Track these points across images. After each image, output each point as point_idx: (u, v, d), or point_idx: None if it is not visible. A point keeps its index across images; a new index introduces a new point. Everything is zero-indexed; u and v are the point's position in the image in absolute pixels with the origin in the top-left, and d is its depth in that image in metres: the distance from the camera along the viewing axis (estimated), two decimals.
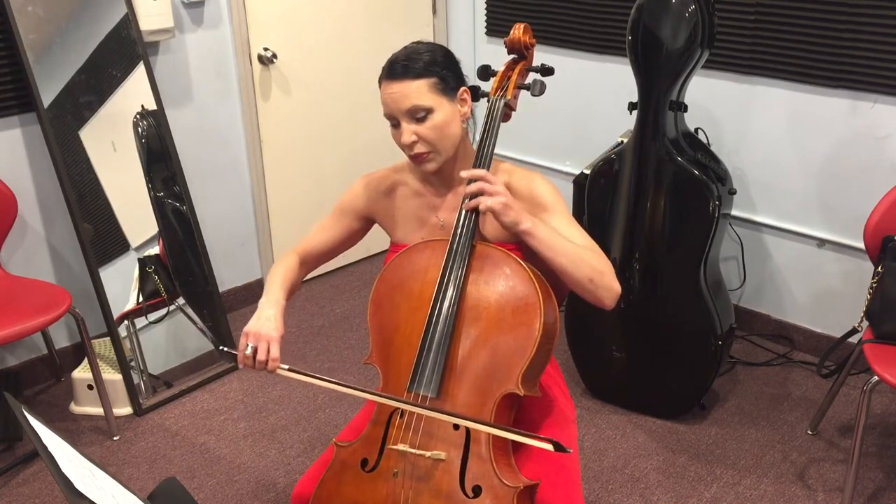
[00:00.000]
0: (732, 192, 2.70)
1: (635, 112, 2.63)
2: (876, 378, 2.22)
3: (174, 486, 1.50)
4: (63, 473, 1.09)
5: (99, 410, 2.86)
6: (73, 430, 2.85)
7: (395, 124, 1.66)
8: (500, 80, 1.79)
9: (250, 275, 3.65)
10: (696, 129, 2.94)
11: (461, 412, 1.57)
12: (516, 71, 1.81)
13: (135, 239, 2.99)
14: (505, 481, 1.53)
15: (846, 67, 2.79)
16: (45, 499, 2.54)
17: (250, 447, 2.76)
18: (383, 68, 1.66)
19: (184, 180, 3.10)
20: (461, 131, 1.70)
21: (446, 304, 1.60)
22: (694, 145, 2.71)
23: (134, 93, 2.98)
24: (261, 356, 1.62)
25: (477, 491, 1.54)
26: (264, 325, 1.64)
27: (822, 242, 3.04)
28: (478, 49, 3.92)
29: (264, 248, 3.67)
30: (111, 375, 2.90)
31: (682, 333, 2.70)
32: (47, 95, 2.77)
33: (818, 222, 3.03)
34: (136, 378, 2.93)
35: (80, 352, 3.15)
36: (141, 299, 2.98)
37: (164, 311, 3.04)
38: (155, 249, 3.03)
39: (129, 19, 2.92)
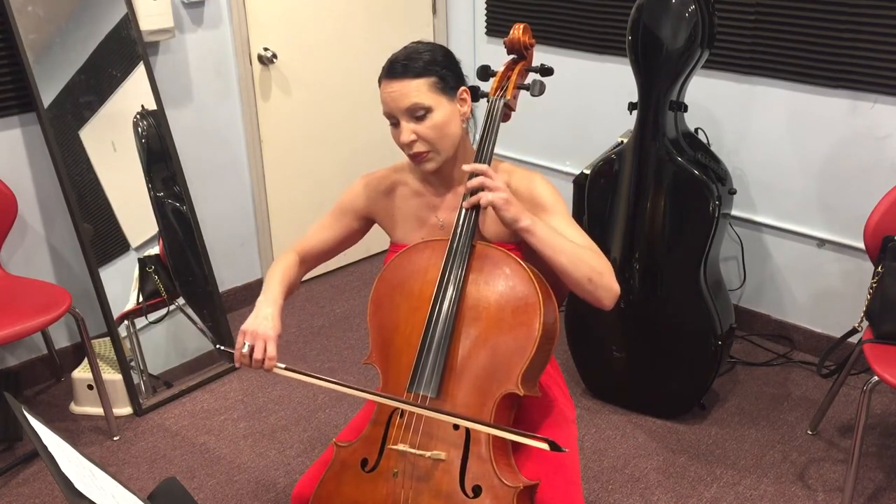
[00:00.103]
0: (732, 192, 2.70)
1: (635, 112, 2.63)
2: (876, 378, 2.22)
3: (174, 486, 1.50)
4: (63, 473, 1.09)
5: (99, 410, 2.86)
6: (73, 430, 2.86)
7: (395, 123, 1.67)
8: (499, 80, 1.79)
9: (250, 275, 3.65)
10: (696, 129, 2.94)
11: (461, 412, 1.57)
12: (516, 71, 1.81)
13: (135, 239, 2.99)
14: (505, 481, 1.53)
15: (846, 67, 2.79)
16: (45, 499, 2.54)
17: (250, 447, 2.76)
18: (383, 67, 1.67)
19: (184, 180, 3.10)
20: (461, 131, 1.70)
21: (446, 304, 1.60)
22: (694, 145, 2.71)
23: (134, 93, 2.98)
24: (257, 355, 1.62)
25: (477, 491, 1.54)
26: (261, 323, 1.64)
27: (822, 242, 3.04)
28: (478, 49, 3.92)
29: (264, 248, 3.67)
30: (111, 375, 2.90)
31: (682, 333, 2.70)
32: (47, 95, 2.77)
33: (818, 222, 3.03)
34: (136, 378, 2.94)
35: (80, 352, 3.15)
36: (141, 299, 2.98)
37: (164, 311, 3.04)
38: (155, 249, 3.03)
39: (129, 19, 2.92)
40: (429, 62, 1.64)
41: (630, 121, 2.70)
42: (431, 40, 2.38)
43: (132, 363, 2.95)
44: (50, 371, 3.14)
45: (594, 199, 2.76)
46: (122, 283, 2.94)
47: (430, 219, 1.78)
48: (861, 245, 2.61)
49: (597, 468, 2.62)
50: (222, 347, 1.70)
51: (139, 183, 3.00)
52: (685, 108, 2.64)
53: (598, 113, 3.50)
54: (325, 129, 3.73)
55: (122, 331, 2.93)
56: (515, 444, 1.60)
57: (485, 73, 1.86)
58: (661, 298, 2.70)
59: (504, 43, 1.83)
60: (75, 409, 2.95)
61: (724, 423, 2.82)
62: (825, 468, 2.60)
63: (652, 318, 2.73)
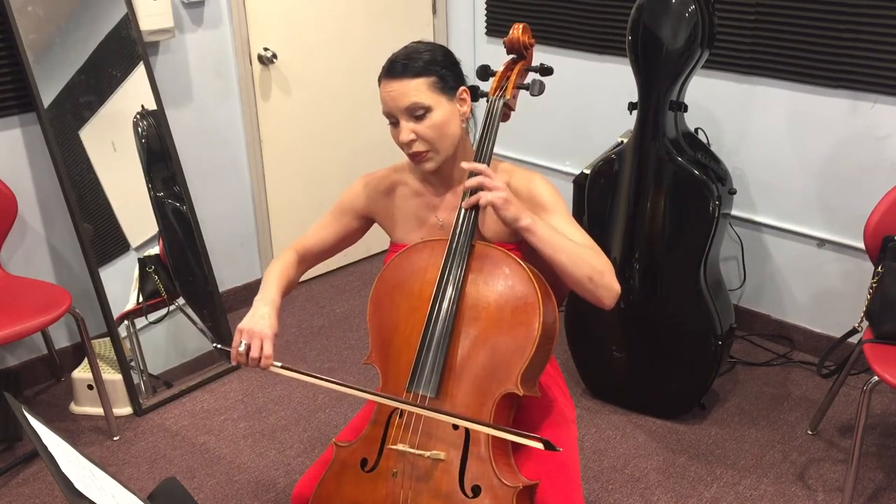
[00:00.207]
0: (732, 192, 2.70)
1: (635, 112, 2.63)
2: (876, 378, 2.22)
3: (174, 486, 1.51)
4: (63, 473, 1.09)
5: (99, 410, 2.86)
6: (73, 430, 2.86)
7: (394, 123, 1.67)
8: (499, 79, 1.79)
9: (250, 275, 3.65)
10: (696, 129, 2.94)
11: (460, 412, 1.57)
12: (515, 71, 1.81)
13: (135, 239, 2.99)
14: (504, 481, 1.53)
15: (846, 67, 2.79)
16: (45, 499, 2.54)
17: (250, 447, 2.76)
18: (383, 67, 1.67)
19: (184, 180, 3.10)
20: (460, 131, 1.70)
21: (445, 304, 1.60)
22: (694, 145, 2.70)
23: (134, 93, 2.98)
24: (254, 353, 1.62)
25: (476, 491, 1.54)
26: (258, 322, 1.65)
27: (822, 242, 3.04)
28: (478, 49, 3.92)
29: (264, 248, 3.67)
30: (111, 375, 2.90)
31: (682, 333, 2.70)
32: (47, 95, 2.77)
33: (818, 222, 3.03)
34: (136, 378, 2.94)
35: (80, 352, 3.15)
36: (141, 299, 2.98)
37: (164, 311, 3.05)
38: (155, 249, 3.03)
39: (129, 19, 2.92)
40: (429, 62, 1.64)
41: (630, 121, 2.70)
42: (431, 40, 2.38)
43: (132, 363, 2.95)
44: (50, 371, 3.14)
45: (594, 199, 2.76)
46: (122, 283, 2.95)
47: (430, 219, 1.78)
48: (861, 245, 2.61)
49: (597, 468, 2.62)
50: (219, 346, 1.70)
51: (139, 183, 3.00)
52: (685, 108, 2.63)
53: (598, 113, 3.50)
54: (325, 129, 3.73)
55: (122, 331, 2.93)
56: (515, 445, 1.60)
57: (484, 72, 1.86)
58: (661, 298, 2.70)
59: (504, 43, 1.83)
60: (75, 409, 2.95)
61: (724, 423, 2.82)
62: (825, 468, 2.60)
63: (652, 318, 2.73)
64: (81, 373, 2.92)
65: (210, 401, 3.01)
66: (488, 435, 1.55)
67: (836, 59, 2.80)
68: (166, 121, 3.06)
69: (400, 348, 1.65)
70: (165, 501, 1.45)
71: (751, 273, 3.27)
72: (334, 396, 2.99)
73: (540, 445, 1.45)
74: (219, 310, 3.22)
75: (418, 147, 1.65)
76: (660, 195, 2.61)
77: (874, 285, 2.39)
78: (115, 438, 2.80)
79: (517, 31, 1.80)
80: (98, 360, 2.85)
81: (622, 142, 2.85)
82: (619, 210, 2.70)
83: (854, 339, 2.61)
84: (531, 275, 1.59)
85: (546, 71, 1.84)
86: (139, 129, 3.00)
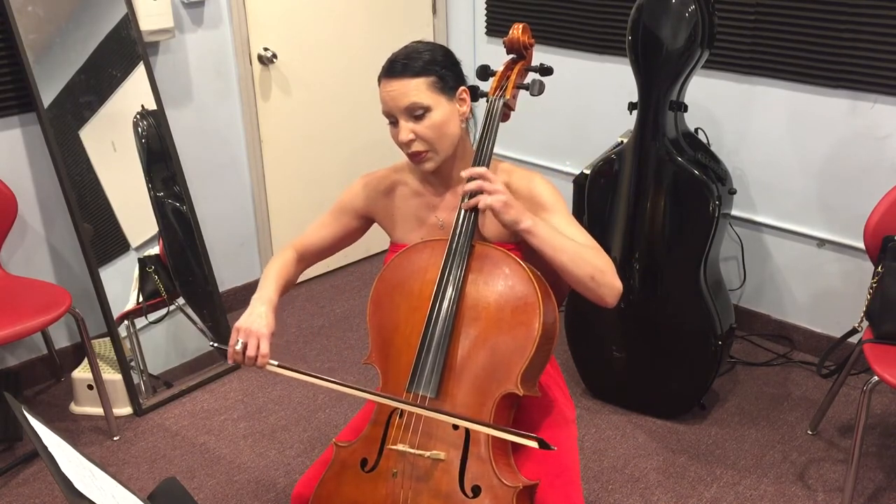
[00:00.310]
0: (732, 192, 2.70)
1: (635, 112, 2.63)
2: (876, 378, 2.22)
3: (174, 486, 1.51)
4: (63, 473, 1.09)
5: (99, 410, 2.86)
6: (73, 430, 2.86)
7: (394, 122, 1.67)
8: (498, 79, 1.79)
9: (250, 275, 3.65)
10: (696, 129, 2.94)
11: (460, 412, 1.57)
12: (515, 71, 1.81)
13: (135, 239, 2.99)
14: (504, 481, 1.53)
15: (846, 67, 2.79)
16: (45, 499, 2.54)
17: (250, 447, 2.76)
18: (383, 66, 1.67)
19: (184, 180, 3.10)
20: (460, 131, 1.70)
21: (445, 304, 1.60)
22: (694, 145, 2.70)
23: (134, 93, 2.98)
24: (250, 352, 1.63)
25: (476, 491, 1.54)
26: (255, 321, 1.65)
27: (822, 242, 3.04)
28: (478, 49, 3.92)
29: (264, 248, 3.67)
30: (111, 375, 2.90)
31: (682, 333, 2.70)
32: (47, 95, 2.77)
33: (818, 222, 3.03)
34: (136, 378, 2.94)
35: (80, 352, 3.15)
36: (141, 299, 2.98)
37: (164, 311, 3.04)
38: (155, 249, 3.03)
39: (129, 19, 2.92)
40: (428, 62, 1.64)
41: (630, 121, 2.70)
42: (431, 40, 2.38)
43: (132, 363, 2.95)
44: (50, 371, 3.14)
45: (594, 199, 2.76)
46: (122, 283, 2.95)
47: (430, 218, 1.78)
48: (861, 245, 2.61)
49: (597, 468, 2.62)
50: (216, 345, 1.71)
51: (139, 183, 3.00)
52: (685, 108, 2.63)
53: (598, 113, 3.50)
54: (325, 129, 3.73)
55: (122, 331, 2.93)
56: (515, 445, 1.60)
57: (484, 72, 1.86)
58: (661, 298, 2.70)
59: (504, 43, 1.83)
60: (75, 409, 2.95)
61: (724, 423, 2.82)
62: (825, 468, 2.60)
63: (652, 318, 2.73)
64: (81, 373, 2.92)
65: (210, 401, 3.01)
66: (488, 435, 1.55)
67: (836, 59, 2.80)
68: (166, 121, 3.06)
69: (400, 348, 1.65)
70: (165, 501, 1.45)
71: (751, 273, 3.27)
72: (334, 396, 2.99)
73: (535, 444, 1.46)
74: (219, 310, 3.22)
75: (417, 147, 1.65)
76: (660, 195, 2.61)
77: (874, 285, 2.39)
78: (115, 438, 2.81)
79: (517, 31, 1.80)
80: (98, 360, 2.85)
81: (622, 142, 2.85)
82: (619, 210, 2.70)
83: (854, 339, 2.61)
84: (531, 275, 1.59)
85: (546, 71, 1.84)
86: (139, 129, 3.00)
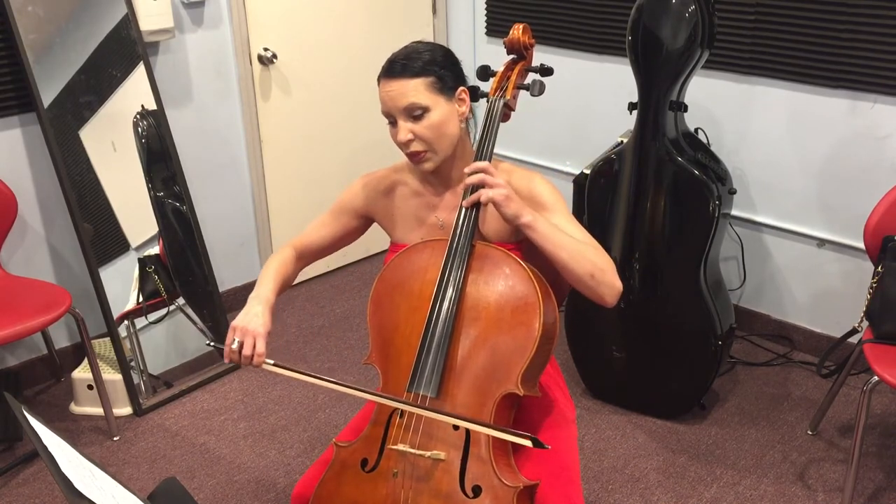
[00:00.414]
0: (732, 192, 2.70)
1: (635, 112, 2.63)
2: (876, 378, 2.22)
3: (174, 486, 1.50)
4: (63, 473, 1.09)
5: (99, 410, 2.86)
6: (73, 430, 2.86)
7: (393, 122, 1.67)
8: (499, 80, 1.79)
9: (250, 275, 3.65)
10: (696, 129, 2.94)
11: (460, 412, 1.57)
12: (515, 71, 1.81)
13: (135, 239, 2.99)
14: (505, 481, 1.53)
15: (846, 67, 2.79)
16: (45, 499, 2.54)
17: (250, 447, 2.76)
18: (383, 67, 1.67)
19: (184, 180, 3.10)
20: (459, 131, 1.70)
21: (446, 304, 1.60)
22: (694, 145, 2.70)
23: (134, 93, 2.98)
24: (246, 351, 1.63)
25: (476, 491, 1.54)
26: (251, 320, 1.65)
27: (822, 242, 3.04)
28: (478, 49, 3.92)
29: (264, 248, 3.67)
30: (111, 375, 2.90)
31: (682, 333, 2.70)
32: (47, 95, 2.77)
33: (818, 222, 3.03)
34: (136, 378, 2.94)
35: (80, 352, 3.15)
36: (141, 299, 2.98)
37: (164, 311, 3.04)
38: (155, 249, 3.03)
39: (129, 19, 2.92)
40: (428, 62, 1.64)
41: (630, 121, 2.70)
42: (431, 40, 2.38)
43: (132, 363, 2.95)
44: (50, 371, 3.14)
45: (594, 199, 2.76)
46: (122, 283, 2.95)
47: (430, 218, 1.79)
48: (861, 245, 2.61)
49: (597, 468, 2.62)
50: (212, 343, 1.71)
51: (139, 183, 3.00)
52: (685, 108, 2.63)
53: (598, 113, 3.50)
54: (325, 129, 3.73)
55: (122, 331, 2.93)
56: (516, 445, 1.60)
57: (484, 73, 1.86)
58: (661, 298, 2.70)
59: (504, 43, 1.83)
60: (75, 409, 2.95)
61: (724, 423, 2.82)
62: (825, 468, 2.60)
63: (652, 318, 2.73)
64: (81, 373, 2.92)
65: (210, 401, 3.01)
66: (489, 435, 1.55)
67: (836, 59, 2.80)
68: (166, 121, 3.06)
69: (400, 348, 1.65)
70: (165, 501, 1.45)
71: (751, 273, 3.27)
72: (334, 396, 2.99)
73: (528, 443, 1.46)
74: (219, 310, 3.22)
75: (416, 147, 1.65)
76: (660, 195, 2.61)
77: (874, 285, 2.39)
78: (115, 438, 2.80)
79: (517, 31, 1.80)
80: (98, 360, 2.85)
81: (622, 142, 2.85)
82: (619, 210, 2.70)
83: (854, 339, 2.61)
84: (531, 275, 1.59)
85: (546, 71, 1.84)
86: (139, 129, 3.00)
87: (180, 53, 3.17)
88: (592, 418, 2.86)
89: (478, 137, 1.73)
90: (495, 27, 3.79)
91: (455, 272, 1.62)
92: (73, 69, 2.84)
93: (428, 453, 1.56)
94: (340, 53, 3.67)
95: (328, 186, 3.75)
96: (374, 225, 1.90)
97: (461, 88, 1.69)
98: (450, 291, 1.61)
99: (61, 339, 3.17)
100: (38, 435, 1.18)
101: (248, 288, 3.62)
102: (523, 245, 1.72)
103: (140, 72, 2.98)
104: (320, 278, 3.88)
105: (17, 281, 2.79)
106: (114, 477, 1.26)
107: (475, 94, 1.75)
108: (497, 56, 1.91)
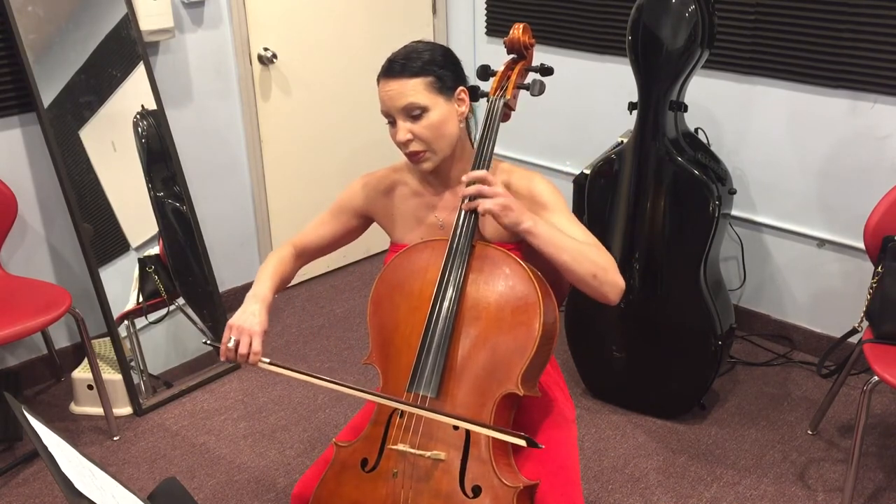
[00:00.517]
0: (732, 192, 2.70)
1: (635, 112, 2.63)
2: (876, 378, 2.22)
3: (174, 486, 1.50)
4: (63, 473, 1.09)
5: (99, 410, 2.86)
6: (73, 430, 2.86)
7: (392, 122, 1.67)
8: (499, 80, 1.79)
9: (250, 275, 3.65)
10: (696, 129, 2.94)
11: (461, 412, 1.57)
12: (516, 71, 1.81)
13: (135, 239, 2.99)
14: (505, 481, 1.53)
15: (846, 67, 2.79)
16: (45, 499, 2.54)
17: (250, 447, 2.76)
18: (382, 66, 1.67)
19: (184, 180, 3.10)
20: (458, 131, 1.70)
21: (446, 304, 1.60)
22: (694, 145, 2.70)
23: (134, 93, 2.98)
24: (242, 349, 1.63)
25: (476, 491, 1.54)
26: (248, 319, 1.66)
27: (822, 242, 3.04)
28: (478, 49, 3.92)
29: (264, 248, 3.67)
30: (111, 375, 2.90)
31: (682, 333, 2.70)
32: (47, 95, 2.77)
33: (818, 222, 3.03)
34: (136, 378, 2.93)
35: (80, 352, 3.15)
36: (141, 299, 2.98)
37: (164, 311, 3.04)
38: (155, 249, 3.03)
39: (129, 19, 2.92)
40: (427, 62, 1.64)
41: (630, 121, 2.70)
42: (431, 40, 2.38)
43: (132, 363, 2.95)
44: (50, 371, 3.14)
45: (594, 199, 2.76)
46: (122, 283, 2.94)
47: (430, 218, 1.78)
48: (861, 245, 2.61)
49: (597, 468, 2.62)
50: (209, 342, 1.72)
51: (139, 183, 3.00)
52: (685, 108, 2.63)
53: (598, 113, 3.50)
54: (325, 129, 3.73)
55: (122, 331, 2.93)
56: (516, 445, 1.60)
57: (485, 72, 1.86)
58: (661, 298, 2.70)
59: (504, 43, 1.83)
60: (75, 409, 2.95)
61: (724, 423, 2.82)
62: (825, 468, 2.60)
63: (652, 318, 2.73)
64: (81, 373, 2.92)
65: (210, 401, 3.01)
66: (489, 436, 1.55)
67: (836, 59, 2.80)
68: (166, 121, 3.06)
69: (400, 348, 1.65)
70: (165, 501, 1.45)
71: (751, 273, 3.27)
72: (334, 396, 2.99)
73: (522, 443, 1.47)
74: (219, 310, 3.22)
75: (415, 147, 1.65)
76: (660, 195, 2.61)
77: (874, 285, 2.39)
78: (115, 438, 2.80)
79: (517, 31, 1.80)
80: (98, 360, 2.85)
81: (622, 142, 2.85)
82: (619, 210, 2.70)
83: (854, 339, 2.61)
84: (531, 275, 1.59)
85: (546, 71, 1.84)
86: (139, 129, 3.00)
87: (180, 53, 3.17)
88: (592, 418, 2.86)
89: (478, 137, 1.73)
90: (495, 27, 3.79)
91: (455, 272, 1.62)
92: (73, 69, 2.84)
93: (428, 453, 1.56)
94: (340, 53, 3.67)
95: (328, 186, 3.75)
96: (374, 225, 1.90)
97: (460, 88, 1.69)
98: (450, 291, 1.61)
99: (61, 339, 3.17)
100: (38, 435, 1.18)
101: (248, 288, 3.61)
102: (523, 245, 1.72)
103: (140, 72, 2.98)
104: (320, 278, 3.88)
105: (17, 281, 2.79)
106: (114, 477, 1.26)
107: (475, 93, 1.75)
108: (497, 56, 1.91)
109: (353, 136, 3.82)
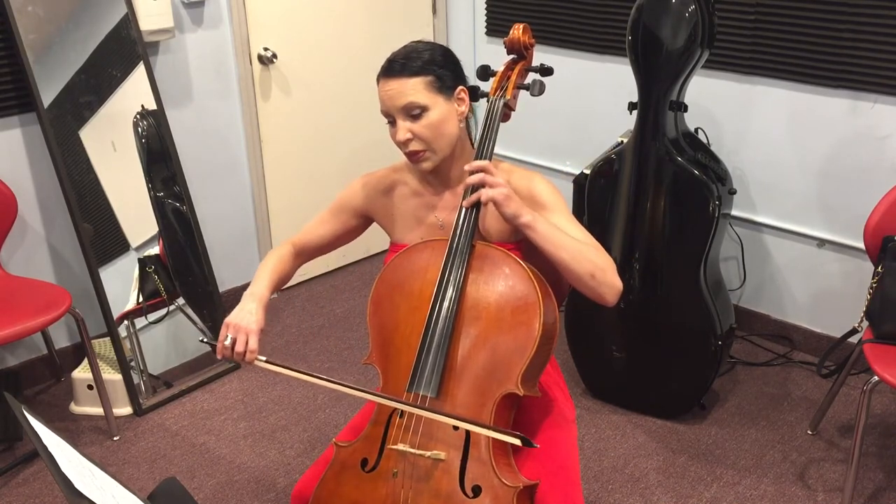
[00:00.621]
0: (732, 192, 2.70)
1: (635, 112, 2.63)
2: (876, 378, 2.22)
3: (174, 486, 1.50)
4: (63, 473, 1.09)
5: (99, 410, 2.86)
6: (73, 430, 2.86)
7: (392, 122, 1.67)
8: (499, 80, 1.79)
9: (250, 275, 3.61)
10: (696, 129, 2.94)
11: (460, 412, 1.57)
12: (516, 71, 1.81)
13: (135, 239, 2.99)
14: (504, 481, 1.53)
15: (846, 67, 2.79)
16: (45, 499, 2.54)
17: (250, 447, 2.76)
18: (382, 66, 1.67)
19: (184, 180, 3.10)
20: (458, 130, 1.70)
21: (446, 304, 1.60)
22: (694, 145, 2.71)
23: (134, 93, 2.98)
24: (239, 348, 1.63)
25: (476, 491, 1.54)
26: (245, 317, 1.66)
27: (822, 242, 3.04)
28: (478, 49, 3.92)
29: (264, 248, 3.67)
30: (111, 375, 2.90)
31: (682, 333, 2.70)
32: (47, 95, 2.77)
33: (818, 222, 3.03)
34: (136, 378, 2.94)
35: (80, 352, 3.15)
36: (141, 299, 2.98)
37: (164, 311, 3.04)
38: (155, 249, 3.03)
39: (129, 19, 2.92)
40: (427, 61, 1.64)
41: (630, 121, 2.70)
42: (431, 40, 2.38)
43: (132, 363, 2.95)
44: (50, 371, 3.14)
45: (594, 199, 2.76)
46: (122, 283, 2.95)
47: (429, 218, 1.79)
48: (861, 245, 2.61)
49: (597, 468, 2.62)
50: (205, 340, 1.72)
51: (139, 183, 3.00)
52: (685, 108, 2.63)
53: (598, 113, 3.50)
54: (325, 129, 3.73)
55: (122, 331, 2.93)
56: (515, 445, 1.60)
57: (485, 72, 1.86)
58: (661, 298, 2.70)
59: (504, 43, 1.83)
60: (75, 409, 2.95)
61: (724, 423, 2.82)
62: (825, 468, 2.60)
63: (652, 318, 2.73)
64: (81, 373, 2.92)
65: (210, 401, 3.01)
66: (488, 436, 1.55)
67: (836, 59, 2.80)
68: (166, 121, 3.06)
69: (400, 348, 1.65)
70: (165, 501, 1.45)
71: (751, 273, 3.27)
72: (334, 396, 2.99)
73: (518, 442, 1.47)
74: (219, 310, 3.21)
75: (415, 146, 1.65)
76: (660, 195, 2.61)
77: (874, 285, 2.39)
78: (115, 438, 2.80)
79: (517, 31, 1.80)
80: (98, 360, 2.85)
81: (622, 142, 2.85)
82: (619, 210, 2.70)
83: (854, 339, 2.61)
84: (531, 275, 1.59)
85: (546, 71, 1.84)
86: (139, 129, 3.00)
87: (180, 53, 3.17)
88: (592, 418, 2.86)
89: (478, 137, 1.73)
90: (495, 27, 3.79)
91: (455, 272, 1.62)
92: (72, 69, 2.84)
93: (428, 453, 1.56)
94: (340, 53, 3.67)
95: (328, 186, 3.75)
96: (374, 225, 1.90)
97: (460, 88, 1.69)
98: (450, 291, 1.61)
99: (61, 339, 3.17)
100: (38, 435, 1.18)
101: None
102: (523, 245, 1.72)
103: (140, 72, 2.98)
104: (320, 278, 3.88)
105: (17, 281, 2.79)
106: (114, 477, 1.26)
107: (475, 93, 1.75)
108: (497, 56, 1.91)
109: (353, 136, 3.82)
